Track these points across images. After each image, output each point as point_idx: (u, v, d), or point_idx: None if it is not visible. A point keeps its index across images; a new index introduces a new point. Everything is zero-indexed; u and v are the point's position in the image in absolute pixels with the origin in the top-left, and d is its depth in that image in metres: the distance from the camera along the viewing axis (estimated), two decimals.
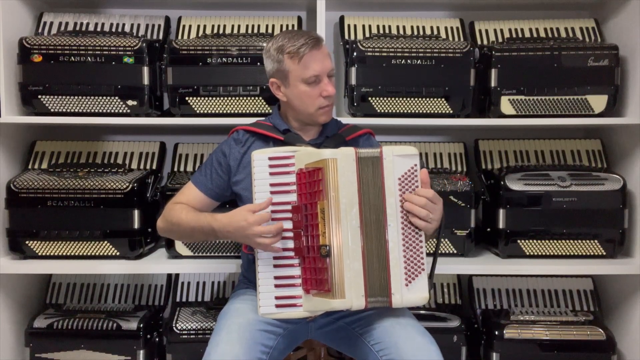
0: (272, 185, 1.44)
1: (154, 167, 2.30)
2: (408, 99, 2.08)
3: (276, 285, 1.43)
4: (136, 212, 2.04)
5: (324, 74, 1.56)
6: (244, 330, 1.45)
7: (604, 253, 2.11)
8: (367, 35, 2.27)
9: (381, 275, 1.39)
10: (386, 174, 1.40)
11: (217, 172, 1.66)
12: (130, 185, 2.04)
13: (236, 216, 1.43)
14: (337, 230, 1.37)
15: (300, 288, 1.42)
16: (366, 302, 1.37)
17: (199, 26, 2.32)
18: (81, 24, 2.28)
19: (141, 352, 2.06)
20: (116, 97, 2.06)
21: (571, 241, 2.10)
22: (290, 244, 1.43)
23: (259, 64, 2.05)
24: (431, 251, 1.59)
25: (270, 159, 1.45)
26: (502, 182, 2.10)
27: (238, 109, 2.08)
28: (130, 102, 2.07)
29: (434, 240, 1.57)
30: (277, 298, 1.43)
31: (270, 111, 2.05)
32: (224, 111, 2.08)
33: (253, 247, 1.44)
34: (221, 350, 1.39)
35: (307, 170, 1.41)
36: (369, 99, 2.08)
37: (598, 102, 2.11)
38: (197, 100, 2.07)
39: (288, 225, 1.42)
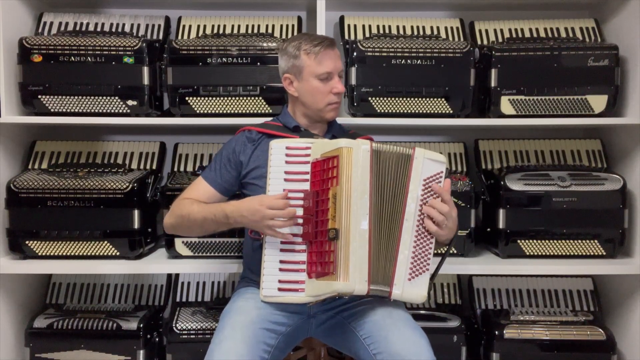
0: (286, 173, 1.49)
1: (154, 167, 2.30)
2: (408, 99, 2.08)
3: (281, 269, 1.46)
4: (136, 212, 2.04)
5: (336, 72, 1.66)
6: (247, 328, 1.46)
7: (604, 253, 2.11)
8: (367, 35, 2.27)
9: (387, 265, 1.43)
10: (414, 173, 1.46)
11: (227, 168, 1.71)
12: (130, 185, 2.04)
13: (249, 199, 1.51)
14: (346, 215, 1.40)
15: (304, 273, 1.45)
16: (368, 288, 1.39)
17: (199, 26, 2.32)
18: (81, 24, 2.28)
19: (141, 352, 2.06)
20: (116, 97, 2.06)
21: (571, 241, 2.10)
22: (299, 230, 1.46)
23: (259, 64, 2.05)
24: (439, 254, 1.62)
25: (287, 148, 1.51)
26: (502, 182, 2.10)
27: (238, 109, 2.08)
28: (130, 102, 2.07)
29: (445, 247, 1.61)
30: (280, 282, 1.46)
31: (270, 111, 2.06)
32: (224, 111, 2.08)
33: (264, 231, 1.48)
34: (225, 348, 1.40)
35: (322, 158, 1.45)
36: (369, 99, 2.08)
37: (598, 102, 2.11)
38: (197, 100, 2.07)
39: (299, 212, 1.46)
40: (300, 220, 1.46)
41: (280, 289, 1.46)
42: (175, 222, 1.68)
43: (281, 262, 1.47)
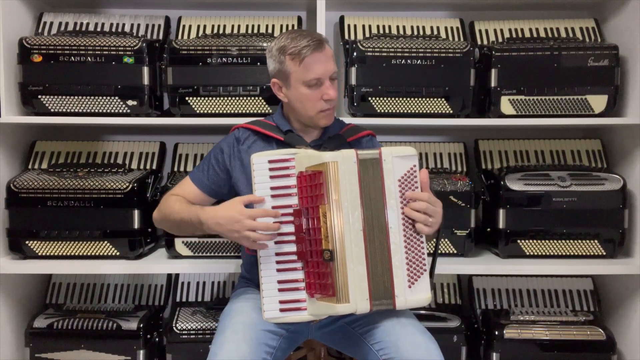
0: (272, 188, 1.42)
1: (154, 167, 2.30)
2: (408, 99, 2.08)
3: (280, 290, 1.42)
4: (136, 212, 2.04)
5: (326, 76, 1.53)
6: (249, 329, 1.45)
7: (604, 253, 2.11)
8: (367, 35, 2.27)
9: (384, 278, 1.38)
10: (386, 176, 1.39)
11: (214, 169, 1.65)
12: (130, 185, 2.04)
13: (227, 207, 1.42)
14: (340, 235, 1.36)
15: (304, 292, 1.41)
16: (371, 306, 1.37)
17: (199, 26, 2.32)
18: (81, 24, 2.28)
19: (141, 352, 2.06)
20: (116, 97, 2.06)
21: (571, 241, 2.10)
22: (293, 248, 1.42)
23: (259, 64, 2.05)
24: (431, 251, 1.59)
25: (270, 162, 1.43)
26: (502, 182, 2.10)
27: (238, 109, 2.08)
28: (130, 102, 2.07)
29: (434, 240, 1.57)
30: (281, 302, 1.42)
31: (270, 111, 2.06)
32: (224, 111, 2.08)
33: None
34: (227, 350, 1.39)
35: (307, 173, 1.40)
36: (369, 99, 2.08)
37: (598, 102, 2.11)
38: (197, 100, 2.07)
39: (290, 228, 1.41)
40: (293, 238, 1.41)
41: (282, 310, 1.42)
42: (160, 219, 1.65)
43: (279, 282, 1.42)
